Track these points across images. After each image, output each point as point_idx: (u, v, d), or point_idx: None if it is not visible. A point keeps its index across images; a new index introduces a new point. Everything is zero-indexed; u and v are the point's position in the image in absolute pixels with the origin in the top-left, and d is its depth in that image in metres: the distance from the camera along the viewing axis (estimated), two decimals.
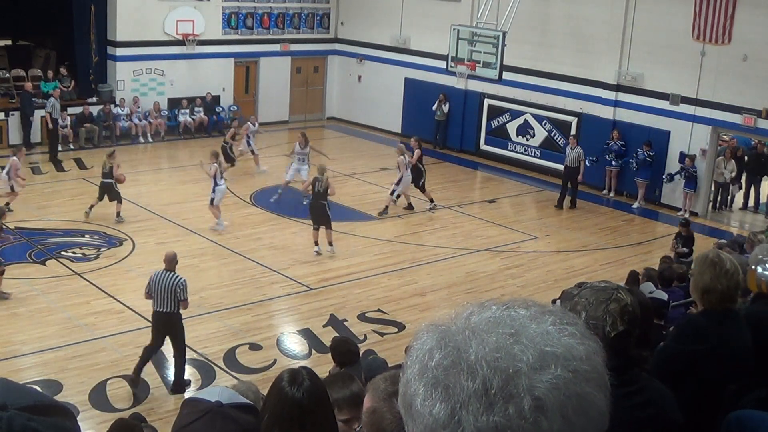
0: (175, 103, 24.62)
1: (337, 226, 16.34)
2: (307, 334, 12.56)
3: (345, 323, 12.95)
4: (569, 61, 21.59)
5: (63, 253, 15.02)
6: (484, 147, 24.13)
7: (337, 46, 27.90)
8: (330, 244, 15.67)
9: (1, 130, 22.12)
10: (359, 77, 27.43)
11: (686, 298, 9.06)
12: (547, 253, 16.74)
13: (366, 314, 13.33)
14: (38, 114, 22.15)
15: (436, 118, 24.54)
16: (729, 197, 21.16)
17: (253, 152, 21.25)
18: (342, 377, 4.20)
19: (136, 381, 10.60)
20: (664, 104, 20.04)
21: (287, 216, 18.05)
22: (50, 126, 21.17)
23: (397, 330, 12.79)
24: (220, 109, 25.48)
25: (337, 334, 11.67)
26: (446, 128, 24.71)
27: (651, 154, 19.90)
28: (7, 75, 23.79)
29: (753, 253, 4.73)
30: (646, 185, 20.20)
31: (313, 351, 11.98)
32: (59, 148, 21.43)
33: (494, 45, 20.38)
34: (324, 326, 12.74)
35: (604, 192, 21.17)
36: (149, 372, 11.08)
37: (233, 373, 11.13)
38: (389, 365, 7.99)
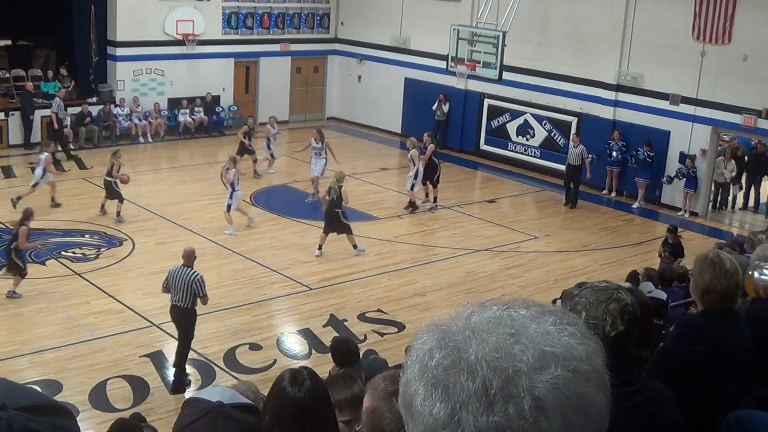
0: (175, 103, 24.62)
1: None
2: (307, 334, 12.56)
3: (345, 323, 12.95)
4: (569, 61, 21.60)
5: (63, 253, 15.02)
6: (484, 147, 24.14)
7: (337, 46, 27.90)
8: (355, 247, 15.69)
9: (1, 130, 22.12)
10: (359, 77, 27.44)
11: (686, 298, 9.06)
12: (547, 253, 16.74)
13: (366, 314, 13.33)
14: (38, 114, 22.16)
15: (436, 118, 24.54)
16: (729, 197, 21.16)
17: (272, 156, 21.15)
18: (343, 378, 4.20)
19: (182, 374, 10.88)
20: (664, 104, 20.04)
21: (287, 216, 18.06)
22: (56, 126, 21.17)
23: (397, 330, 12.79)
24: (220, 109, 25.49)
25: (337, 334, 11.67)
26: (446, 128, 24.72)
27: (651, 154, 19.91)
28: (7, 75, 23.79)
29: (754, 254, 4.73)
30: (646, 185, 20.20)
31: (313, 351, 11.98)
32: (58, 148, 21.38)
33: (494, 45, 20.39)
34: (324, 326, 12.74)
35: (605, 192, 21.18)
36: (149, 372, 11.09)
37: (233, 373, 11.13)
38: (389, 365, 7.98)
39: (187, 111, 24.64)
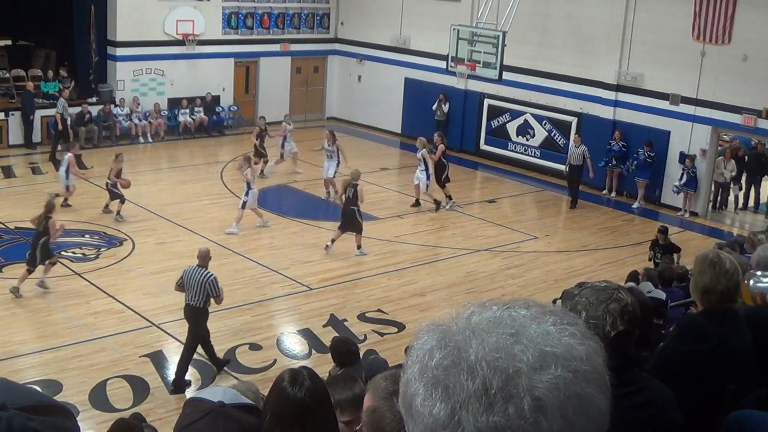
0: (175, 103, 24.62)
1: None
2: (307, 334, 12.56)
3: (345, 323, 12.95)
4: (569, 61, 21.60)
5: (63, 253, 15.01)
6: (484, 147, 24.14)
7: (337, 46, 27.90)
8: (359, 247, 15.74)
9: (1, 130, 22.13)
10: (359, 77, 27.43)
11: (686, 298, 9.07)
12: (547, 253, 16.75)
13: (366, 314, 13.33)
14: (39, 114, 22.16)
15: (436, 118, 24.54)
16: (729, 197, 21.16)
17: (282, 156, 21.09)
18: (344, 378, 4.20)
19: (221, 362, 11.11)
20: (664, 104, 20.04)
21: (287, 216, 18.06)
22: (60, 126, 21.16)
23: (397, 330, 12.79)
24: (220, 109, 25.49)
25: (337, 334, 11.67)
26: (446, 128, 24.69)
27: (651, 154, 19.91)
28: (7, 75, 23.80)
29: (754, 254, 4.73)
30: (646, 185, 20.20)
31: (313, 351, 11.98)
32: (58, 148, 21.38)
33: (494, 45, 20.38)
34: (324, 326, 12.74)
35: (605, 192, 21.18)
36: (149, 372, 11.09)
37: (233, 373, 11.14)
38: (389, 365, 7.98)
39: (187, 111, 24.64)
